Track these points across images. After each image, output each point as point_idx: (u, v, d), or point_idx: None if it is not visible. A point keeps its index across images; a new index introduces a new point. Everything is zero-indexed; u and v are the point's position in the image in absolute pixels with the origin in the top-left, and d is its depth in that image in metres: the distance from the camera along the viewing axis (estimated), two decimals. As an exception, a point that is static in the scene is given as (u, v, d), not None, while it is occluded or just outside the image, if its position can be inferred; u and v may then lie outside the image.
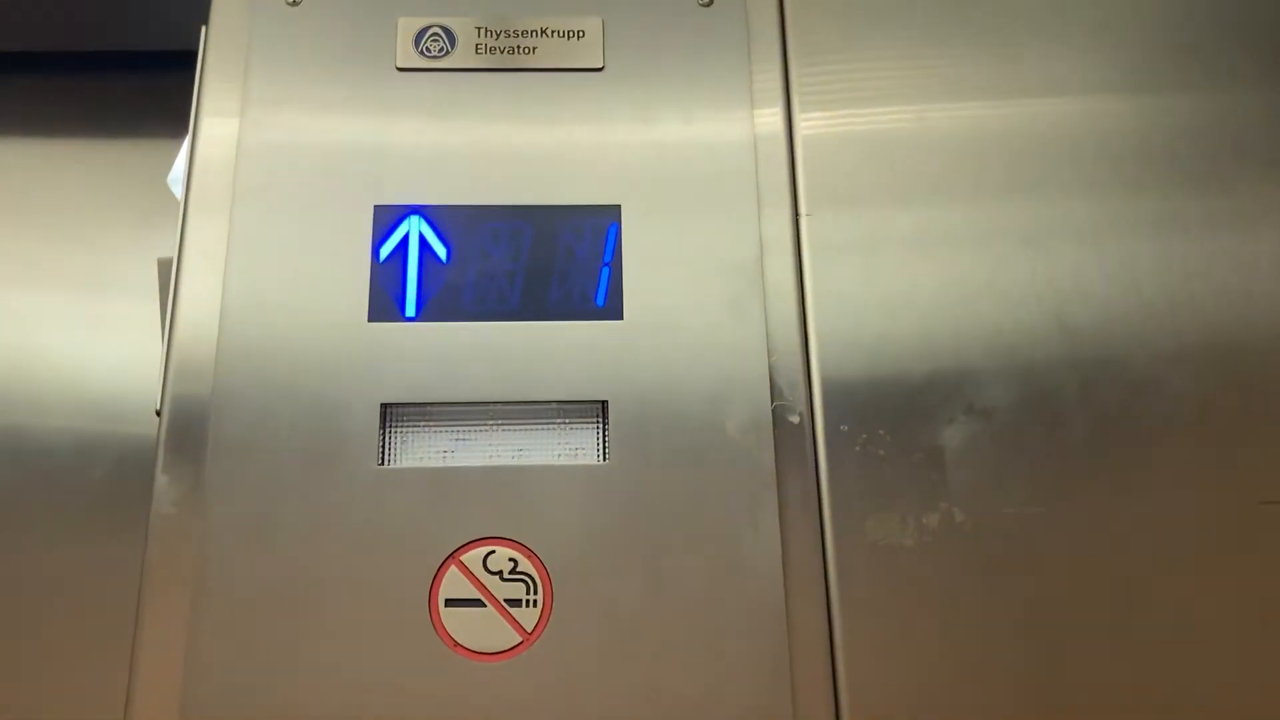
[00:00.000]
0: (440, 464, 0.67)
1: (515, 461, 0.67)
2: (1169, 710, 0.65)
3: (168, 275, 0.71)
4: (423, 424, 0.68)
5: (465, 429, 0.68)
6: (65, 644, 0.85)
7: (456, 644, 0.63)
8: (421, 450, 0.67)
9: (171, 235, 0.72)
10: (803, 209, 0.75)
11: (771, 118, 0.77)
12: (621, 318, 0.70)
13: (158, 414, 0.68)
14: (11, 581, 0.86)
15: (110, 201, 0.97)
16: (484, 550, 0.65)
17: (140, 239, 0.97)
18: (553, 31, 0.76)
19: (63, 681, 0.83)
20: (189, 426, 0.67)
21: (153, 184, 0.97)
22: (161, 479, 0.66)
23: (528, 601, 0.64)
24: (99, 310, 0.95)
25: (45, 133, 0.99)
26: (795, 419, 0.69)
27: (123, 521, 0.88)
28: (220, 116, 0.75)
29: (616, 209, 0.72)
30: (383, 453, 0.66)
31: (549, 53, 0.76)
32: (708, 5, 0.78)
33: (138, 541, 0.85)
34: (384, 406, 0.67)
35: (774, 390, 0.69)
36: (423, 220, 0.71)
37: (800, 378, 0.70)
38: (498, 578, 0.64)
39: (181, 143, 0.76)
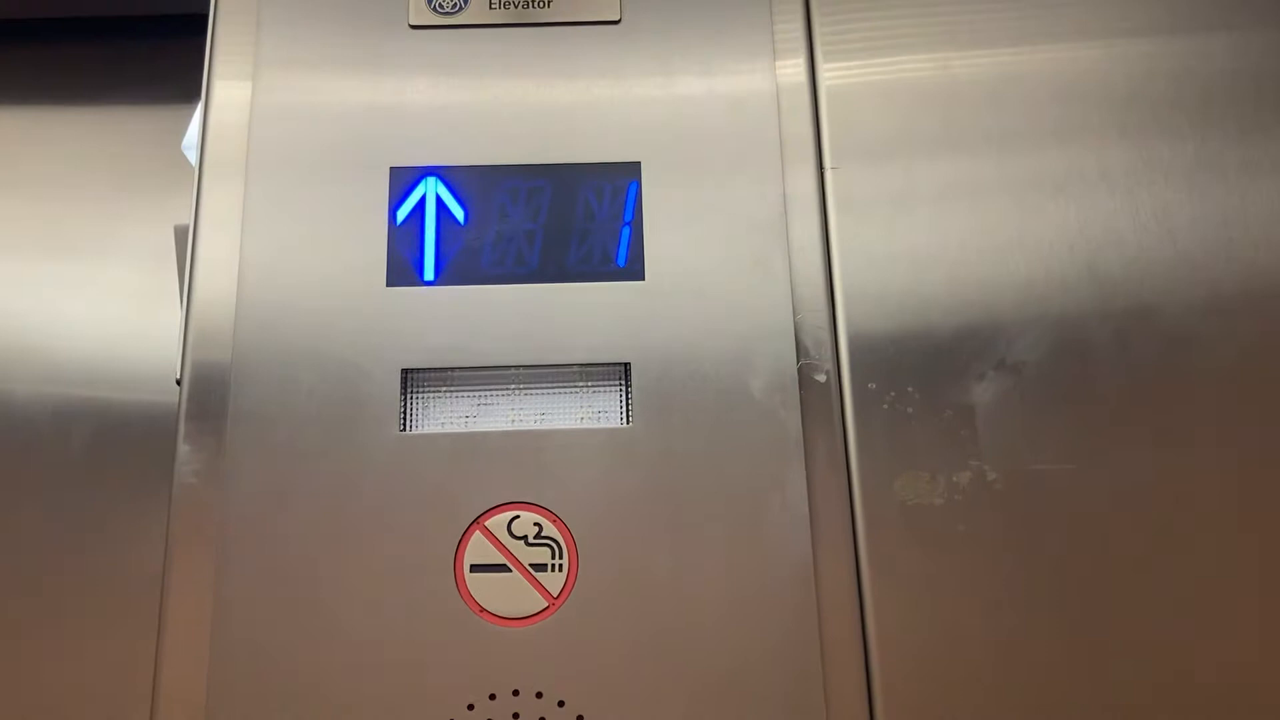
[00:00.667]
0: (462, 429, 0.66)
1: (538, 425, 0.66)
2: (1206, 668, 0.64)
3: (184, 242, 0.71)
4: (444, 389, 0.67)
5: (487, 393, 0.67)
6: (57, 615, 0.85)
7: (482, 609, 0.62)
8: (443, 415, 0.67)
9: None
10: (827, 162, 0.73)
11: (794, 68, 0.75)
12: (643, 278, 0.68)
13: (178, 383, 0.67)
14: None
15: (100, 168, 0.97)
16: (508, 515, 0.64)
17: (130, 205, 0.96)
18: (568, -17, 0.75)
19: (51, 654, 0.83)
20: (209, 395, 0.67)
21: (132, 148, 0.97)
22: (183, 448, 0.66)
23: (553, 566, 0.63)
24: (88, 275, 0.94)
25: (36, 101, 0.99)
26: (822, 378, 0.67)
27: (102, 488, 0.88)
28: (232, 80, 0.74)
29: (636, 166, 0.71)
30: (404, 418, 0.66)
31: (564, 6, 0.74)
32: (727, -47, 0.76)
33: (117, 507, 0.86)
34: (405, 372, 0.66)
35: (799, 349, 0.68)
36: (439, 181, 0.70)
37: (826, 335, 0.68)
38: (522, 542, 0.64)
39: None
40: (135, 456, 0.88)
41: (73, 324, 0.92)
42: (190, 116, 0.88)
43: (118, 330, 0.92)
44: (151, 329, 0.92)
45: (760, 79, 0.74)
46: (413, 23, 0.74)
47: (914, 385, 0.68)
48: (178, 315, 0.90)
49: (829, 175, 0.73)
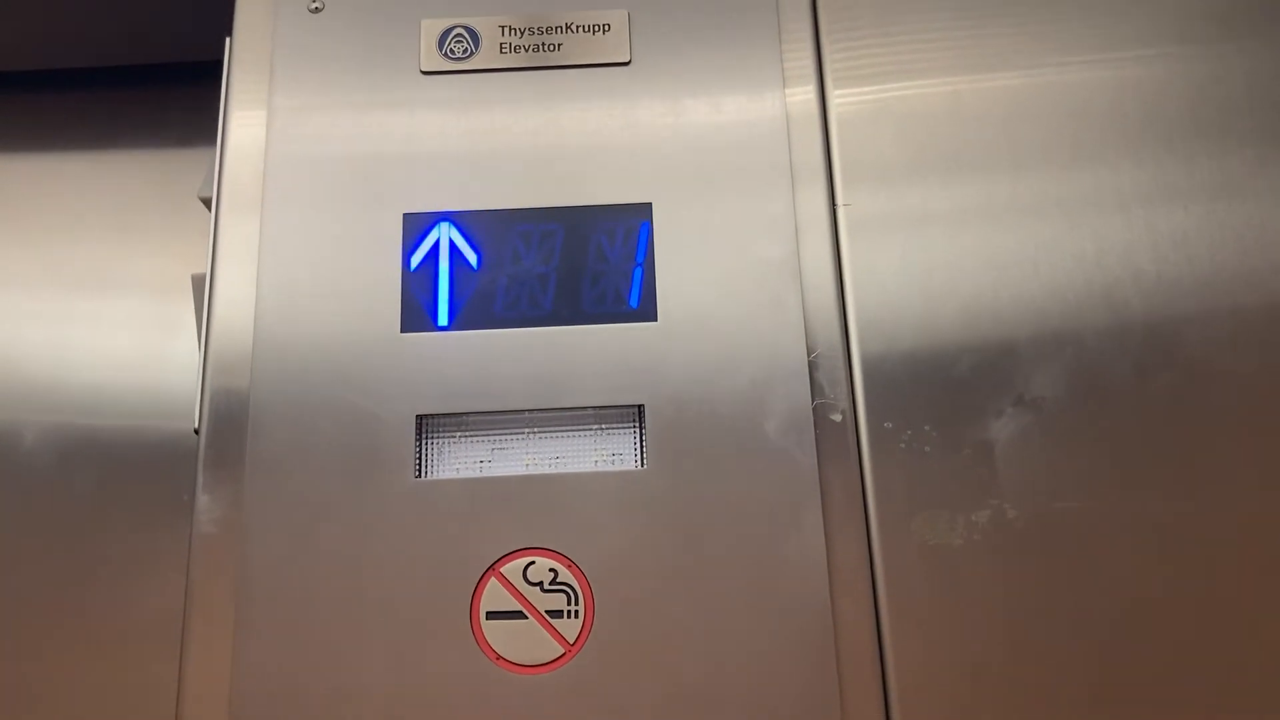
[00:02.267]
0: (477, 474, 0.66)
1: (553, 469, 0.66)
2: (1231, 708, 0.63)
3: (201, 291, 0.71)
4: (459, 434, 0.67)
5: (502, 437, 0.67)
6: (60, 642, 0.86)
7: (499, 656, 0.62)
8: (459, 460, 0.67)
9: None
10: (839, 190, 0.73)
11: (804, 96, 0.75)
12: (656, 319, 0.68)
13: (196, 432, 0.68)
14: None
15: (103, 209, 0.99)
16: (524, 561, 0.64)
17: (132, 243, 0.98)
18: (578, 26, 0.75)
19: (61, 685, 0.84)
20: (227, 443, 0.67)
21: (133, 191, 0.99)
22: (202, 498, 0.66)
23: (569, 612, 0.63)
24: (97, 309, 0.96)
25: (42, 148, 1.01)
26: (837, 417, 0.67)
27: (109, 520, 0.89)
28: (247, 125, 0.74)
29: (648, 207, 0.71)
30: (419, 464, 0.66)
31: (575, 48, 0.74)
32: (735, -10, 0.76)
33: (123, 538, 0.87)
34: (419, 418, 0.67)
35: (814, 387, 0.67)
36: (452, 226, 0.70)
37: (841, 374, 0.68)
38: (538, 589, 0.63)
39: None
40: (139, 484, 0.90)
41: (78, 355, 0.94)
42: (189, 161, 0.90)
43: (122, 360, 0.94)
44: (152, 360, 0.94)
45: (770, 107, 0.74)
46: (424, 68, 0.74)
47: (930, 423, 0.67)
48: (178, 345, 0.93)
49: (840, 203, 0.72)
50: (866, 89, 0.76)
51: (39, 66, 0.98)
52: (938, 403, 0.68)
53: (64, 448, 0.90)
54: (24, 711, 0.84)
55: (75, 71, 0.99)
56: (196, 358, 0.70)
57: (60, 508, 0.90)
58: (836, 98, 0.75)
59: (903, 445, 0.67)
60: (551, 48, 0.74)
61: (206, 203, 0.74)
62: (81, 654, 0.86)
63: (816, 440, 0.66)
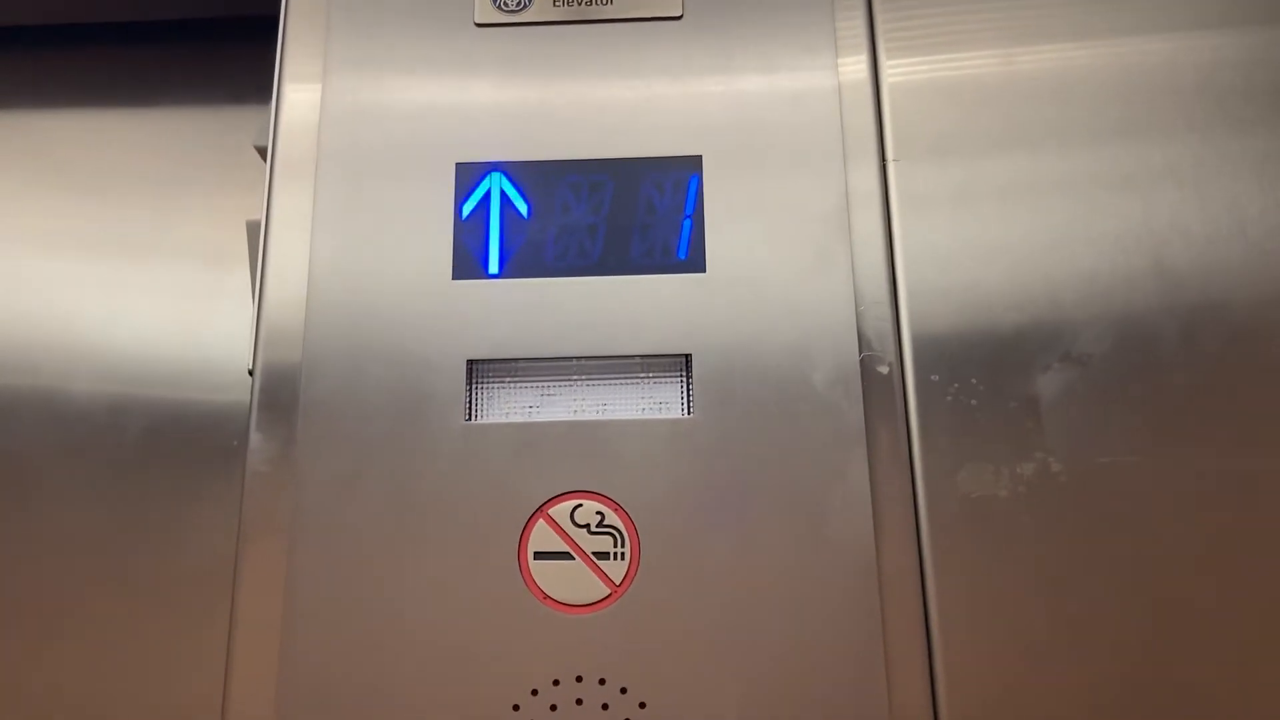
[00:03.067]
0: (526, 419, 0.67)
1: (600, 416, 0.67)
2: (1273, 667, 0.63)
3: (256, 238, 0.73)
4: (508, 380, 0.68)
5: (550, 384, 0.68)
6: (100, 607, 0.86)
7: (546, 596, 0.63)
8: (508, 406, 0.68)
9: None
10: (890, 157, 0.73)
11: (856, 65, 0.75)
12: (704, 270, 0.69)
13: (250, 373, 0.69)
14: (44, 543, 0.88)
15: (156, 167, 0.98)
16: (571, 504, 0.65)
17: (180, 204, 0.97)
18: (630, -20, 0.76)
19: (103, 644, 0.85)
20: (280, 386, 0.68)
21: (185, 149, 0.98)
22: (255, 437, 0.67)
23: (615, 554, 0.64)
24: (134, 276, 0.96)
25: (91, 103, 1.01)
26: (884, 370, 0.67)
27: (153, 486, 0.89)
28: (303, 81, 0.75)
29: (698, 160, 0.71)
30: (470, 408, 0.67)
31: (626, 2, 0.75)
32: (788, -50, 0.76)
33: (169, 505, 0.87)
34: (470, 363, 0.68)
35: (862, 341, 0.68)
36: (503, 177, 0.71)
37: (889, 328, 0.68)
38: (585, 530, 0.64)
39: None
40: (187, 454, 0.90)
41: (129, 322, 0.94)
42: (244, 116, 0.90)
43: (173, 328, 0.94)
44: (206, 326, 0.93)
45: (822, 75, 0.74)
46: (478, 21, 0.75)
47: (977, 377, 0.68)
48: (232, 312, 0.93)
49: (891, 170, 0.73)
50: (919, 59, 0.76)
51: (89, 20, 0.98)
52: (985, 358, 0.68)
53: (114, 410, 0.91)
54: (72, 659, 0.85)
55: (125, 25, 1.00)
56: (247, 310, 0.72)
57: (108, 469, 0.90)
58: (889, 68, 0.75)
59: (949, 398, 0.67)
60: (604, 0, 0.75)
61: (262, 152, 0.76)
62: (129, 603, 0.87)
63: (863, 392, 0.66)
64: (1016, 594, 0.64)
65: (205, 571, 0.86)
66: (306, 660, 0.63)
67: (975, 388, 0.67)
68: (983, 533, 0.65)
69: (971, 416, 0.67)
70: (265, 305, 0.70)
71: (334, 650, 0.63)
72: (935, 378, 0.68)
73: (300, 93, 0.75)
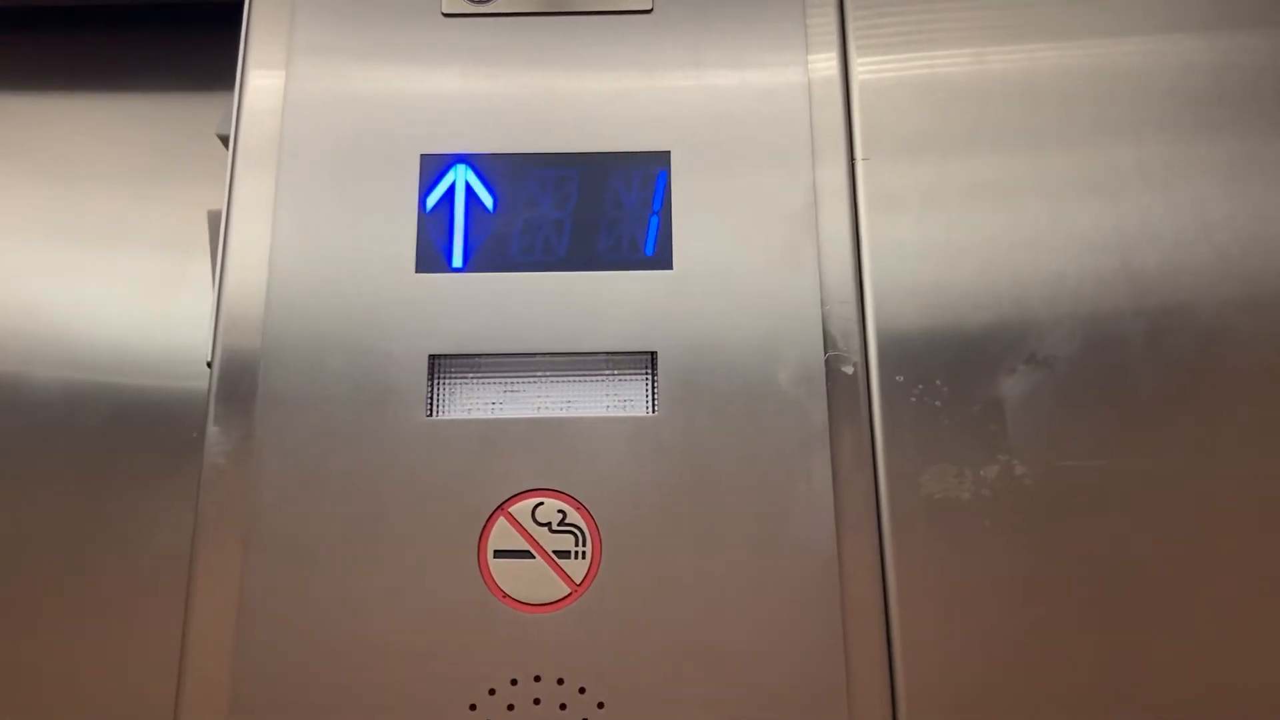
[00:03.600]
0: (489, 415, 0.66)
1: (564, 413, 0.66)
2: (1235, 666, 0.63)
3: (217, 228, 0.71)
4: (471, 375, 0.67)
5: (514, 380, 0.67)
6: (58, 597, 0.85)
7: (505, 595, 0.63)
8: (470, 401, 0.67)
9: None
10: (859, 155, 0.73)
11: (827, 62, 0.74)
12: (671, 267, 0.68)
13: (209, 365, 0.68)
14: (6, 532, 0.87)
15: (120, 153, 0.97)
16: (533, 502, 0.64)
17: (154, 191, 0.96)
18: (600, -28, 0.75)
19: (63, 635, 0.84)
20: (239, 378, 0.67)
21: (152, 135, 0.97)
22: (213, 430, 0.66)
23: (576, 553, 0.63)
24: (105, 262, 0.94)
25: (56, 87, 0.99)
26: (849, 370, 0.67)
27: (114, 473, 0.88)
28: (266, 68, 0.74)
29: (666, 156, 0.71)
30: (431, 404, 0.66)
31: (597, -6, 0.74)
32: (760, -56, 0.75)
33: (133, 494, 0.86)
34: (432, 358, 0.67)
35: (827, 340, 0.67)
36: (469, 169, 0.70)
37: (854, 327, 0.68)
38: (546, 529, 0.64)
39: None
40: (149, 442, 0.89)
41: (90, 309, 0.93)
42: (210, 104, 0.89)
43: (135, 316, 0.92)
44: (169, 315, 0.92)
45: (792, 72, 0.73)
46: (445, 11, 0.74)
47: (942, 378, 0.67)
48: (195, 301, 0.92)
49: (860, 168, 0.72)
50: (890, 57, 0.76)
51: (51, 4, 0.97)
52: (950, 359, 0.68)
53: (73, 400, 0.89)
54: (29, 651, 0.84)
55: (91, 8, 0.98)
56: (210, 300, 0.70)
57: (68, 458, 0.89)
58: (859, 65, 0.75)
59: (913, 399, 0.67)
60: (574, -7, 0.74)
61: (224, 140, 0.75)
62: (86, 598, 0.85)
63: (828, 392, 0.66)
64: (978, 596, 0.64)
65: (167, 562, 0.85)
66: (262, 657, 0.62)
67: (940, 389, 0.67)
68: (945, 535, 0.65)
69: (935, 418, 0.67)
70: (225, 296, 0.69)
71: (290, 647, 0.62)
72: (900, 378, 0.67)
73: (264, 79, 0.74)
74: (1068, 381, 0.68)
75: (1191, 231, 0.71)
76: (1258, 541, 0.65)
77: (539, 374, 0.68)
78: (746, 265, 0.68)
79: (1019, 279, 0.70)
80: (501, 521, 0.64)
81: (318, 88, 0.73)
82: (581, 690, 0.61)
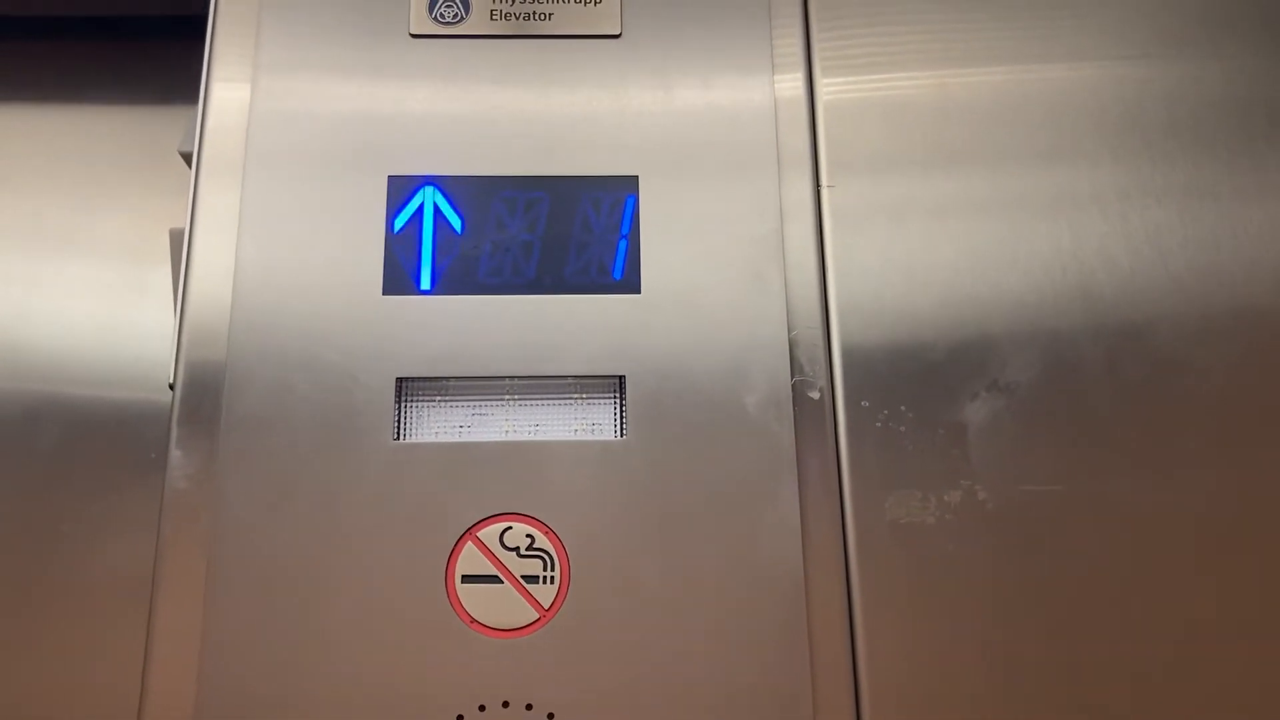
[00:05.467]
0: (456, 438, 0.66)
1: (532, 437, 0.66)
2: (1193, 691, 0.65)
3: (179, 246, 0.71)
4: (439, 398, 0.67)
5: (482, 403, 0.67)
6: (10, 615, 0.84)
7: (473, 620, 0.62)
8: (438, 424, 0.67)
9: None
10: (824, 177, 0.73)
11: (793, 83, 0.75)
12: (639, 291, 0.69)
13: (171, 387, 0.67)
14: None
15: (74, 165, 0.96)
16: (501, 526, 0.64)
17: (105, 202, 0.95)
18: (569, -3, 0.75)
19: (15, 656, 0.82)
20: (202, 400, 0.66)
21: (106, 146, 0.96)
22: (175, 453, 0.65)
23: (545, 578, 0.63)
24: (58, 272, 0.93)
25: (10, 97, 0.98)
26: (815, 395, 0.68)
27: (70, 486, 0.87)
28: (231, 83, 0.74)
29: (634, 180, 0.71)
30: (398, 427, 0.66)
31: (565, 19, 0.74)
32: (727, -31, 0.76)
33: (88, 506, 0.85)
34: (399, 381, 0.66)
35: (794, 365, 0.68)
36: (437, 191, 0.70)
37: (821, 353, 0.69)
38: (514, 554, 0.64)
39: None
40: (104, 454, 0.87)
41: (42, 320, 0.91)
42: (168, 117, 0.87)
43: (88, 326, 0.91)
44: (121, 325, 0.91)
45: (758, 93, 0.74)
46: (413, 31, 0.74)
47: (907, 404, 0.68)
48: (153, 312, 0.91)
49: (825, 190, 0.73)
50: (854, 79, 0.77)
51: (14, 13, 0.95)
52: (914, 384, 0.69)
53: (29, 412, 0.88)
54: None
55: (47, 19, 0.97)
56: (169, 319, 0.69)
57: (22, 473, 0.87)
58: (824, 86, 0.76)
59: (878, 424, 0.68)
60: (542, 16, 0.74)
61: (187, 158, 0.74)
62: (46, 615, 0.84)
63: (795, 416, 0.67)
64: (942, 621, 0.65)
65: (122, 578, 0.84)
66: (226, 682, 0.61)
67: (904, 414, 0.68)
68: (910, 559, 0.65)
69: (900, 443, 0.68)
70: (188, 315, 0.68)
71: (255, 673, 0.61)
72: (865, 404, 0.68)
73: (228, 93, 0.73)
74: (1028, 406, 0.69)
75: (1147, 258, 0.73)
76: (1209, 560, 0.67)
77: (507, 397, 0.67)
78: (714, 289, 0.69)
79: (980, 303, 0.71)
80: (470, 546, 0.64)
81: (283, 105, 0.72)
82: (550, 716, 0.61)
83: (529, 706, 0.61)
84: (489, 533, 0.64)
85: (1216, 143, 0.76)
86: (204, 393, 0.67)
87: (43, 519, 0.85)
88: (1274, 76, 0.77)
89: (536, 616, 0.63)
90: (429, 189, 0.70)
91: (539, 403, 0.67)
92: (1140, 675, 0.65)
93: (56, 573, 0.84)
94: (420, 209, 0.70)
